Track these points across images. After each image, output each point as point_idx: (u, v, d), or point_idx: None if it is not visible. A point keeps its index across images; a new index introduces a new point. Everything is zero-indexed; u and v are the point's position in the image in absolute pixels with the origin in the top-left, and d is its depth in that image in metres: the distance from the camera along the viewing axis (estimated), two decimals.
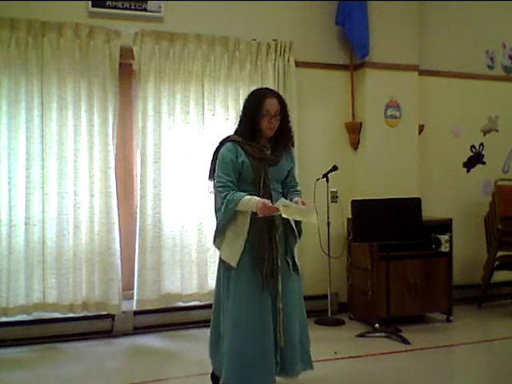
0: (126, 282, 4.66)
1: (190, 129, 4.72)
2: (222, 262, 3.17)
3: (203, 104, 4.76)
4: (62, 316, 4.42)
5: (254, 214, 3.00)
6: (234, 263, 3.04)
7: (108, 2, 4.57)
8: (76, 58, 4.41)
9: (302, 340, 3.19)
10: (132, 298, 4.59)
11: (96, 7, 4.54)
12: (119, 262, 4.51)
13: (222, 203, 3.03)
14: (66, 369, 3.88)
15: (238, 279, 3.05)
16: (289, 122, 3.21)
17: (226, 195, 3.01)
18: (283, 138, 3.17)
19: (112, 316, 4.54)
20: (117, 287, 4.48)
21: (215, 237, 3.16)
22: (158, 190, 4.61)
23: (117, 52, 4.52)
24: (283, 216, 2.95)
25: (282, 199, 2.99)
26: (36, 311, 4.35)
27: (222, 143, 3.17)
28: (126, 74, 4.74)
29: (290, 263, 3.16)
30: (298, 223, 3.23)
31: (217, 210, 3.13)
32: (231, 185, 3.04)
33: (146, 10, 4.67)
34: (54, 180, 4.38)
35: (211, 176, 3.18)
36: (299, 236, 3.28)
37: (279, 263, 3.08)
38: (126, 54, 4.56)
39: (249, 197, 2.99)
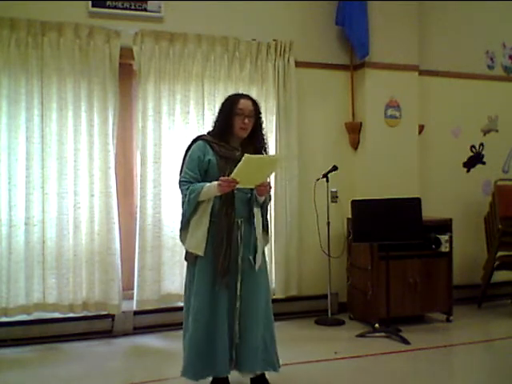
0: (126, 281, 4.66)
1: (189, 129, 4.72)
2: (186, 256, 3.24)
3: (203, 104, 4.76)
4: (62, 316, 4.42)
5: (217, 215, 3.09)
6: (200, 252, 3.11)
7: (108, 2, 4.58)
8: (76, 58, 4.41)
9: (265, 340, 3.22)
10: (132, 298, 4.60)
11: (96, 7, 4.54)
12: (119, 261, 4.52)
13: (185, 195, 3.13)
14: (66, 369, 3.87)
15: (198, 275, 3.14)
16: (262, 127, 3.29)
17: (188, 187, 3.11)
18: (254, 140, 3.22)
19: (112, 316, 4.54)
20: (117, 287, 4.48)
21: (181, 230, 3.22)
22: (158, 190, 4.62)
23: (117, 52, 4.52)
24: (242, 186, 3.03)
25: (246, 155, 2.93)
26: (36, 311, 4.36)
27: (193, 141, 3.26)
28: (126, 74, 4.74)
29: (252, 260, 3.19)
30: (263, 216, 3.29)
31: (182, 204, 3.20)
32: (193, 181, 3.13)
33: (146, 10, 4.68)
34: (54, 180, 4.38)
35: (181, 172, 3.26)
36: (266, 232, 3.34)
37: (239, 261, 3.14)
38: (126, 53, 4.57)
39: (208, 183, 3.08)
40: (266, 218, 3.35)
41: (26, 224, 4.28)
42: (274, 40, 4.97)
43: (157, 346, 4.41)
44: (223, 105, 3.26)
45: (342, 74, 5.31)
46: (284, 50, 4.98)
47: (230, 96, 3.33)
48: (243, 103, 3.18)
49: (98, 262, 4.47)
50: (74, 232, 4.41)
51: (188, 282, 3.24)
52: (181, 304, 4.66)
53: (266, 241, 3.39)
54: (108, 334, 4.54)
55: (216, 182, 3.03)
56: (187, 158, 3.22)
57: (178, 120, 4.70)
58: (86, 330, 4.49)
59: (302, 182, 5.00)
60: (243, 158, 2.91)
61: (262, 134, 3.29)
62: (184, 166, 3.22)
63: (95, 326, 4.52)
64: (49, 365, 3.96)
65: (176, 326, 4.67)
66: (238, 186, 3.03)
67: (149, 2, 4.68)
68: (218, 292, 3.10)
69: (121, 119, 4.64)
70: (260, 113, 3.27)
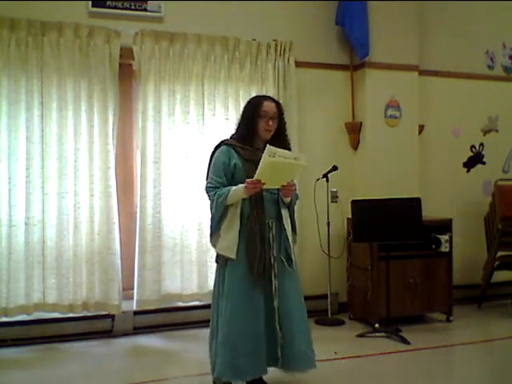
0: (126, 282, 4.66)
1: (189, 129, 4.72)
2: (217, 259, 3.26)
3: (203, 104, 4.76)
4: (61, 316, 4.42)
5: (248, 217, 3.11)
6: (232, 254, 3.12)
7: (108, 2, 4.58)
8: (76, 57, 4.41)
9: (306, 338, 3.25)
10: (132, 298, 4.59)
11: (96, 7, 4.54)
12: (119, 261, 4.52)
13: (213, 200, 3.17)
14: (66, 369, 3.88)
15: (230, 277, 3.15)
16: (285, 128, 3.32)
17: (215, 193, 3.15)
18: (278, 141, 3.22)
19: (112, 316, 4.55)
20: (117, 287, 4.48)
21: (211, 235, 3.27)
22: (158, 190, 4.62)
23: (117, 52, 4.52)
24: (268, 186, 3.04)
25: (269, 148, 2.94)
26: (36, 311, 4.35)
27: (217, 147, 3.29)
28: (126, 73, 4.74)
29: (285, 261, 3.21)
30: (292, 220, 3.32)
31: (210, 209, 3.24)
32: (220, 186, 3.16)
33: (146, 10, 4.68)
34: (54, 180, 4.38)
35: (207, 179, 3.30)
36: (294, 232, 3.36)
37: (272, 262, 3.15)
38: (126, 53, 4.57)
39: (235, 187, 3.11)
40: (294, 218, 3.36)
41: (26, 224, 4.28)
42: (274, 40, 4.97)
43: (157, 345, 4.41)
44: (246, 108, 3.28)
45: (342, 74, 5.31)
46: (284, 50, 4.98)
47: (252, 98, 3.34)
48: (267, 105, 3.20)
49: (97, 262, 4.47)
50: (73, 232, 4.41)
51: (217, 284, 3.26)
52: (181, 304, 4.73)
53: (295, 240, 3.40)
54: (108, 333, 4.54)
55: (243, 185, 3.05)
56: (212, 164, 3.25)
57: (178, 120, 4.70)
58: (85, 330, 4.49)
59: (302, 182, 4.99)
60: (263, 160, 2.91)
61: (286, 135, 3.32)
62: (209, 172, 3.25)
63: (95, 326, 4.53)
64: (49, 365, 3.96)
65: (176, 325, 4.72)
66: (264, 187, 3.04)
67: (149, 2, 4.68)
68: (254, 293, 3.10)
69: (121, 119, 4.64)
70: (283, 114, 3.29)
